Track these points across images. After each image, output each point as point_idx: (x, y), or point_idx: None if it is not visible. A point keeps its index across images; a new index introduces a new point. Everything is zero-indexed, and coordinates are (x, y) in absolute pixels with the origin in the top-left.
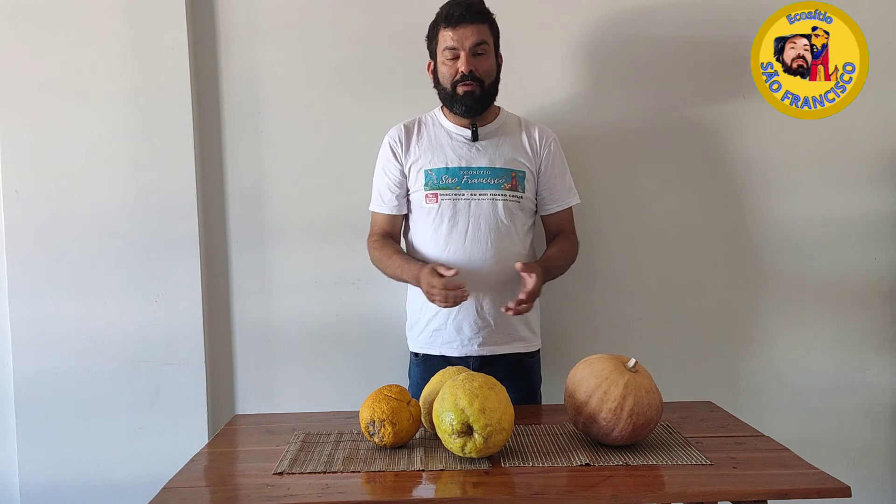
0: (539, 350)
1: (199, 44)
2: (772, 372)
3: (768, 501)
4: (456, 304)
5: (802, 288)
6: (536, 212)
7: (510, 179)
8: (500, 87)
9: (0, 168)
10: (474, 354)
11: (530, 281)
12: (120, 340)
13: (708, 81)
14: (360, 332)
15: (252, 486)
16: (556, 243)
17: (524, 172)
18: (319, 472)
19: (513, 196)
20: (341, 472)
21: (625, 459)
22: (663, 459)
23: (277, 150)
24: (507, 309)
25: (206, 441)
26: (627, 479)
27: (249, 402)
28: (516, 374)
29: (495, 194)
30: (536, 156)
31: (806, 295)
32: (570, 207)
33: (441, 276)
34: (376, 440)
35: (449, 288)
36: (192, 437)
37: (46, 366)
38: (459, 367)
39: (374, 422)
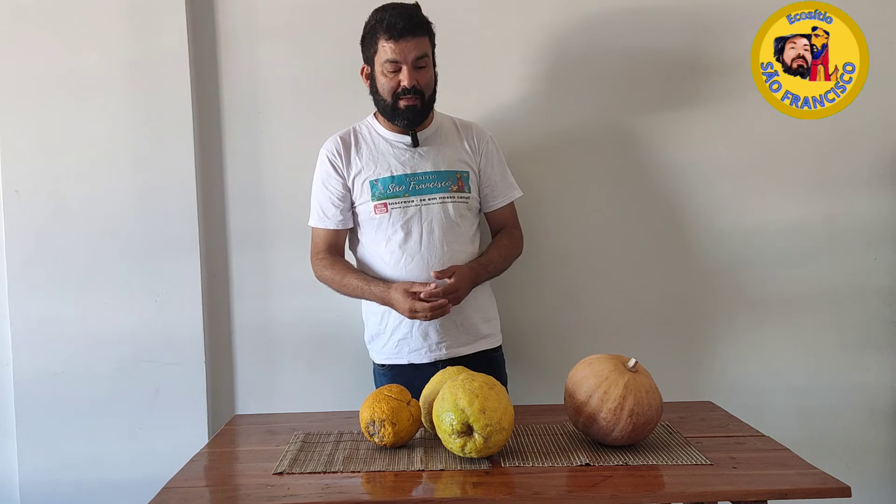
0: (501, 345)
1: (199, 44)
2: (772, 372)
3: (768, 501)
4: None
5: (802, 288)
6: (481, 210)
7: (456, 181)
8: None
9: (0, 168)
10: (443, 358)
11: (442, 283)
12: (120, 340)
13: (707, 81)
14: (359, 333)
15: (252, 486)
16: (496, 243)
17: (467, 173)
18: (319, 472)
19: (460, 197)
20: (341, 472)
21: (625, 459)
22: (663, 459)
23: (277, 150)
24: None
25: (206, 441)
26: (627, 479)
27: (249, 402)
28: (484, 370)
29: (444, 197)
30: (476, 154)
31: (806, 295)
32: (512, 202)
33: (415, 293)
34: (376, 440)
35: (434, 306)
36: (192, 437)
37: (46, 366)
38: (460, 367)
39: (374, 422)
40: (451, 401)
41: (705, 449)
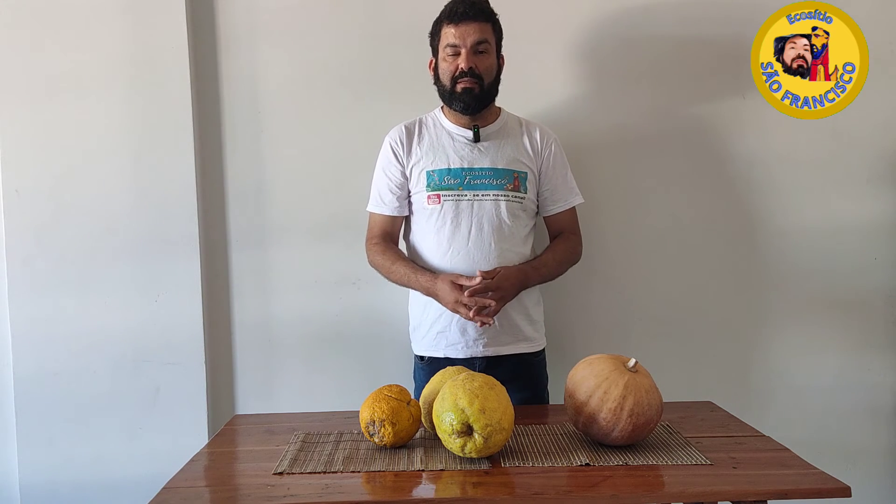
0: (544, 349)
1: (199, 44)
2: (772, 372)
3: (768, 501)
4: (477, 321)
5: (802, 287)
6: (538, 213)
7: (512, 180)
8: (501, 88)
9: (0, 168)
10: (479, 356)
11: (481, 280)
12: (120, 340)
13: (708, 81)
14: (360, 332)
15: (252, 486)
16: (552, 247)
17: (526, 173)
18: (319, 472)
19: (515, 197)
20: (341, 472)
21: (625, 459)
22: (663, 459)
23: (277, 150)
24: (479, 320)
25: (206, 441)
26: (627, 479)
27: (249, 401)
28: (522, 373)
29: (497, 195)
30: (538, 156)
31: (806, 295)
32: (573, 207)
33: (461, 286)
34: (376, 440)
35: (479, 303)
36: (192, 437)
37: (46, 366)
38: (459, 367)
39: (374, 422)
40: (451, 401)
41: (705, 449)
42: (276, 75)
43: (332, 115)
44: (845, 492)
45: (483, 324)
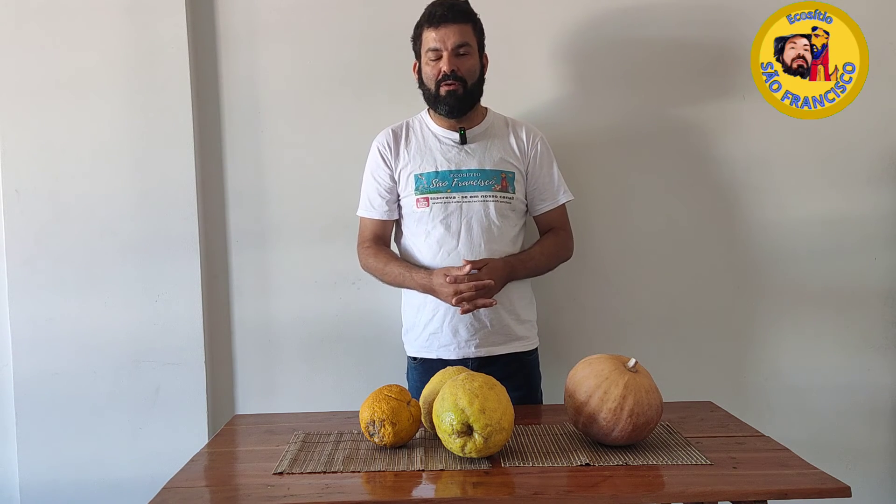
0: (537, 348)
1: (199, 44)
2: (772, 372)
3: (768, 501)
4: (480, 307)
5: (802, 288)
6: (527, 212)
7: (500, 181)
8: (489, 88)
9: (0, 168)
10: (472, 356)
11: (479, 273)
12: (120, 340)
13: (707, 81)
14: (360, 332)
15: (252, 486)
16: (540, 241)
17: (513, 173)
18: (319, 472)
19: (503, 197)
20: (341, 472)
21: (625, 459)
22: (663, 459)
23: (277, 150)
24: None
25: (206, 441)
26: (627, 479)
27: (249, 402)
28: (515, 372)
29: (486, 196)
30: (524, 156)
31: (806, 295)
32: (563, 205)
33: (455, 279)
34: (376, 440)
35: (476, 288)
36: (192, 437)
37: (46, 366)
38: (459, 367)
39: (374, 422)
40: (451, 401)
41: (705, 449)
42: (276, 75)
43: (332, 116)
44: (845, 492)
45: (487, 305)
